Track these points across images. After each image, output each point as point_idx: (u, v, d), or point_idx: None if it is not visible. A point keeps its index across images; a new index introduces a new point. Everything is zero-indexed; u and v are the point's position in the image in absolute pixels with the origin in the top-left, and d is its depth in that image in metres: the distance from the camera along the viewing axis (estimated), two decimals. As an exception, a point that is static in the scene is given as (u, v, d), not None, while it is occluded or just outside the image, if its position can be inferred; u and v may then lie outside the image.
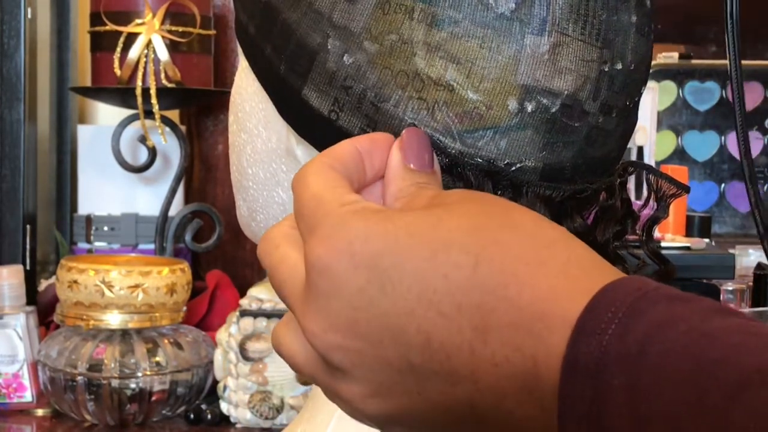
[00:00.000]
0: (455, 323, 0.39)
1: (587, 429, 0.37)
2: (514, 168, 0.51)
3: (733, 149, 1.94)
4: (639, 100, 0.55)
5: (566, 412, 0.37)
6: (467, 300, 0.39)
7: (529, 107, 0.50)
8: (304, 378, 0.46)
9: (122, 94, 1.56)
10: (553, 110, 0.50)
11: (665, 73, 1.94)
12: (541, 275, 0.39)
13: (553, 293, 0.38)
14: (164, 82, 1.55)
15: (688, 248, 1.42)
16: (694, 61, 1.92)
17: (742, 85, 0.60)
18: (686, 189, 0.57)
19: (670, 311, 0.37)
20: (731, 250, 1.44)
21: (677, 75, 1.95)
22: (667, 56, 1.93)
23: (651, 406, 0.35)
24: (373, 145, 0.47)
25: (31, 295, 1.52)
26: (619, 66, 0.52)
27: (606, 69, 0.51)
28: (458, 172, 0.50)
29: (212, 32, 1.64)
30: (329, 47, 0.51)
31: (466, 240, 0.40)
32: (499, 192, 0.50)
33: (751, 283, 1.32)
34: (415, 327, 0.39)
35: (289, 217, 0.45)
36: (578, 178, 0.52)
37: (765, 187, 1.95)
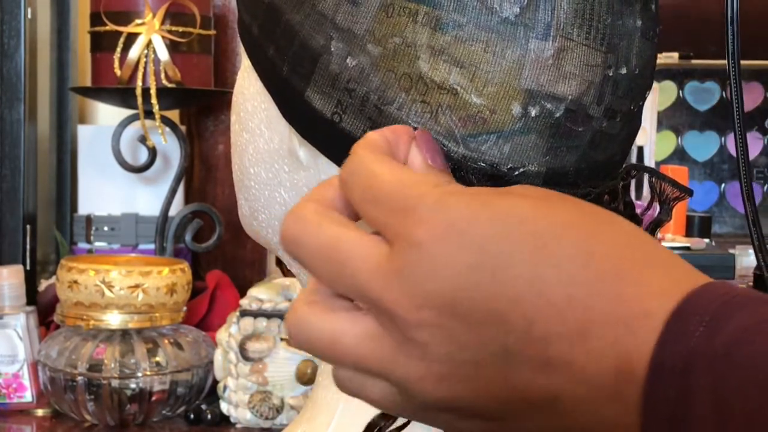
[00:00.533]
0: (562, 314, 0.39)
1: (670, 429, 0.37)
2: (517, 172, 0.51)
3: (734, 149, 1.94)
4: (643, 104, 0.55)
5: (650, 411, 0.37)
6: (577, 292, 0.39)
7: (533, 112, 0.50)
8: (341, 363, 0.44)
9: (122, 94, 1.56)
10: (557, 115, 0.50)
11: (665, 73, 1.94)
12: (648, 274, 0.39)
13: (660, 298, 0.39)
14: (164, 82, 1.55)
15: (688, 248, 1.42)
16: (694, 61, 1.92)
17: (741, 90, 0.60)
18: (689, 192, 0.57)
19: (757, 315, 0.37)
20: (731, 250, 1.44)
21: (677, 75, 1.96)
22: (667, 56, 1.93)
23: (736, 406, 0.36)
24: (397, 137, 0.46)
25: (31, 295, 1.52)
26: (624, 70, 0.52)
27: (610, 74, 0.51)
28: (461, 176, 0.50)
29: (212, 32, 1.64)
30: (332, 49, 0.51)
31: (579, 235, 0.40)
32: None
33: (751, 283, 1.32)
34: (520, 313, 0.39)
35: (313, 199, 0.45)
36: (581, 182, 0.52)
37: (765, 187, 1.96)
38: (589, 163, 0.52)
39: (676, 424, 0.37)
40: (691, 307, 0.38)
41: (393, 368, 0.42)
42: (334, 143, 0.52)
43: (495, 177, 0.50)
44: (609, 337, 0.38)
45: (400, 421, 0.49)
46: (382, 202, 0.43)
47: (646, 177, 0.57)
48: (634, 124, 0.55)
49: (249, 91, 0.58)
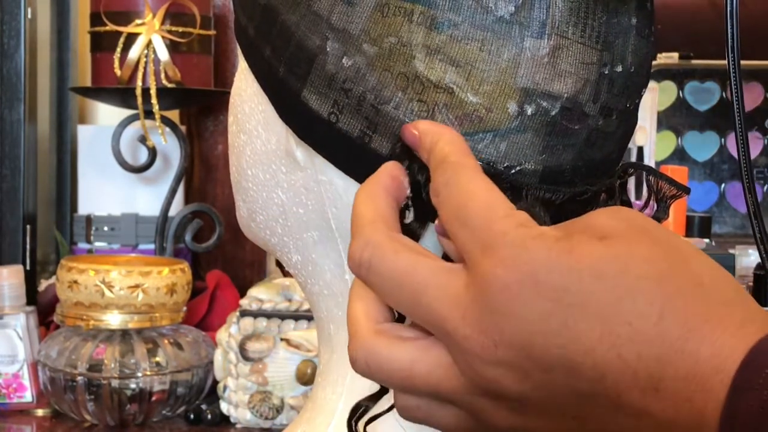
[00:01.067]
0: (632, 368, 0.40)
1: None
2: (513, 171, 0.51)
3: (733, 149, 1.94)
4: (639, 101, 0.55)
5: None
6: (648, 349, 0.40)
7: (529, 110, 0.50)
8: (416, 392, 0.44)
9: (122, 94, 1.56)
10: (553, 113, 0.50)
11: (665, 73, 1.94)
12: (719, 333, 0.40)
13: (730, 351, 0.39)
14: (164, 82, 1.55)
15: (687, 248, 1.42)
16: (694, 61, 1.92)
17: (742, 92, 0.60)
18: (686, 190, 0.57)
19: None
20: (731, 251, 1.44)
21: (677, 75, 1.95)
22: (667, 56, 1.93)
23: None
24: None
25: (31, 295, 1.52)
26: (619, 68, 0.52)
27: (606, 71, 0.51)
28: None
29: (212, 32, 1.64)
30: (328, 49, 0.51)
31: (652, 291, 0.40)
32: None
33: (751, 283, 1.32)
34: (592, 363, 0.40)
35: (381, 221, 0.45)
36: (578, 181, 0.52)
37: (765, 188, 1.95)
38: (586, 161, 0.52)
39: None
40: (761, 358, 0.38)
41: (468, 398, 0.43)
42: (331, 143, 0.52)
43: (492, 175, 0.50)
44: (683, 394, 0.39)
45: (387, 403, 0.49)
46: (471, 227, 0.43)
47: (644, 176, 0.57)
48: (630, 122, 0.55)
49: (246, 92, 0.58)
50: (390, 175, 0.48)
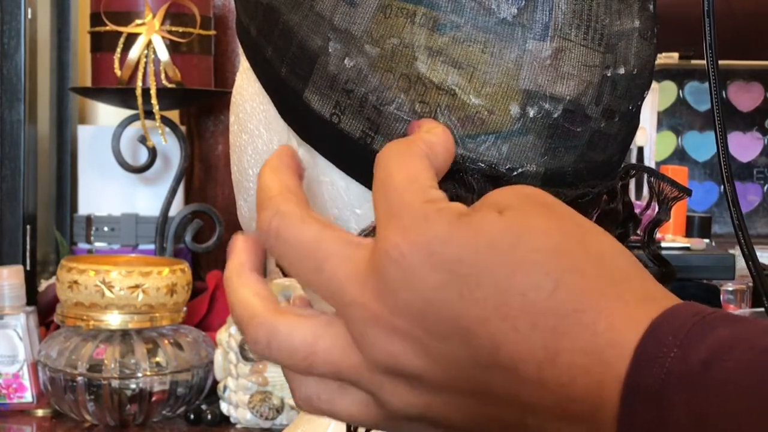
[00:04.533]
0: (528, 340, 0.39)
1: None
2: (515, 173, 0.51)
3: (734, 149, 1.94)
4: (641, 104, 0.55)
5: None
6: (542, 321, 0.39)
7: (531, 112, 0.50)
8: (316, 371, 0.43)
9: (122, 95, 1.56)
10: (555, 115, 0.50)
11: (665, 73, 1.94)
12: (617, 308, 0.39)
13: (628, 325, 0.39)
14: (164, 82, 1.55)
15: (688, 249, 1.42)
16: (694, 61, 1.92)
17: (720, 94, 0.61)
18: (688, 192, 0.57)
19: (730, 332, 0.37)
20: (731, 251, 1.44)
21: (677, 75, 1.96)
22: (667, 56, 1.93)
23: (716, 423, 0.36)
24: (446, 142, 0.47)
25: (31, 296, 1.52)
26: (622, 71, 0.52)
27: (608, 74, 0.51)
28: (460, 176, 0.50)
29: (212, 32, 1.64)
30: (330, 50, 0.51)
31: (546, 263, 0.40)
32: None
33: (751, 284, 1.32)
34: (487, 334, 0.40)
35: (292, 191, 0.44)
36: (580, 183, 0.52)
37: (765, 188, 1.96)
38: (588, 163, 0.52)
39: None
40: (662, 330, 0.38)
41: (367, 375, 0.42)
42: (332, 144, 0.52)
43: (493, 177, 0.50)
44: (581, 366, 0.39)
45: None
46: (388, 198, 0.43)
47: (645, 177, 0.57)
48: (632, 124, 0.55)
49: (248, 92, 0.58)
50: (288, 154, 0.47)
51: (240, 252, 0.46)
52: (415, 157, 0.44)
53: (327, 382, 0.43)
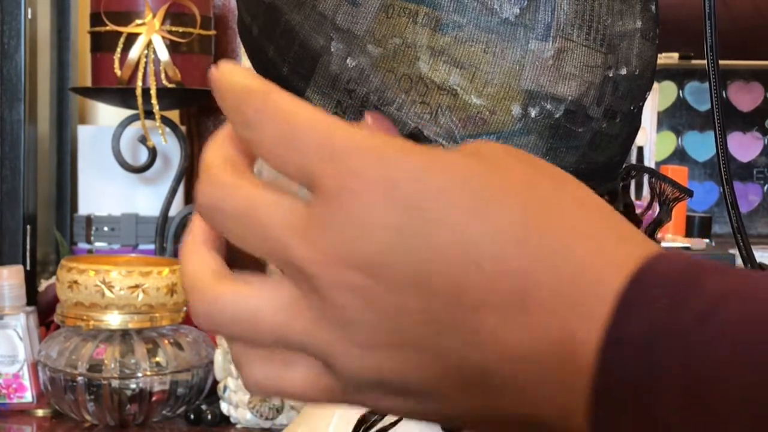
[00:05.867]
0: (495, 284, 0.36)
1: (624, 413, 0.34)
2: (517, 173, 0.51)
3: (734, 149, 1.94)
4: (643, 104, 0.55)
5: (603, 395, 0.34)
6: (512, 263, 0.36)
7: (533, 112, 0.50)
8: (262, 339, 0.39)
9: (122, 95, 1.56)
10: (557, 116, 0.50)
11: (665, 73, 1.94)
12: (593, 247, 0.36)
13: (603, 266, 0.36)
14: (164, 82, 1.55)
15: (688, 248, 1.42)
16: (694, 61, 1.92)
17: (721, 95, 0.61)
18: (689, 193, 0.57)
19: (725, 282, 0.34)
20: (731, 251, 1.44)
21: (677, 75, 1.95)
22: (667, 56, 1.93)
23: (715, 385, 0.33)
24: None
25: (31, 296, 1.52)
26: (624, 71, 0.52)
27: (610, 74, 0.51)
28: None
29: (212, 32, 1.64)
30: (332, 50, 0.51)
31: (518, 204, 0.37)
32: None
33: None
34: (449, 280, 0.36)
35: (227, 163, 0.41)
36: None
37: (765, 188, 1.96)
38: (589, 163, 0.53)
39: (636, 407, 0.34)
40: (649, 278, 0.35)
41: (316, 337, 0.38)
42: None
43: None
44: (552, 311, 0.35)
45: (391, 417, 0.49)
46: (301, 142, 0.38)
47: (646, 177, 0.57)
48: (634, 124, 0.55)
49: (249, 91, 0.58)
50: (231, 133, 0.44)
51: (195, 227, 0.43)
52: (299, 101, 0.40)
53: (273, 359, 0.40)
